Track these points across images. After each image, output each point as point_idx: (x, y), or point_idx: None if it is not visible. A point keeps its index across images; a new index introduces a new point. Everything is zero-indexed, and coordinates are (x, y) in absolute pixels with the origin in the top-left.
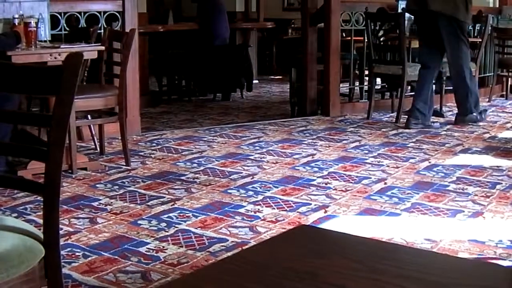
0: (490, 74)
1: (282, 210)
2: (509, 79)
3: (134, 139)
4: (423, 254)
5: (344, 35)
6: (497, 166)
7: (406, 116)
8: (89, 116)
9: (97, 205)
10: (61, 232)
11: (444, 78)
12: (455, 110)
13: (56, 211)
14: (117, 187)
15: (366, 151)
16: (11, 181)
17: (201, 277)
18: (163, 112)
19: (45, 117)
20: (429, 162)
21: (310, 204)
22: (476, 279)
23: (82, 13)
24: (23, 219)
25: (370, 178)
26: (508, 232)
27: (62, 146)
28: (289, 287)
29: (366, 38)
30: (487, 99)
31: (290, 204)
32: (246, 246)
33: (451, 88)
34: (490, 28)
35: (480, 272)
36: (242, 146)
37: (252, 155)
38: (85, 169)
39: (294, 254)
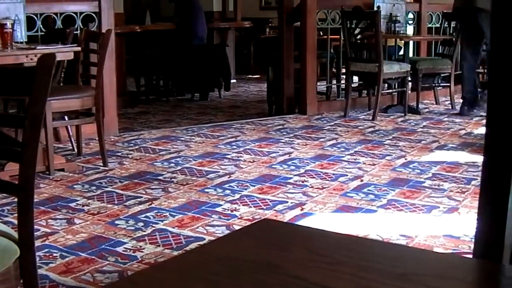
0: None
1: (259, 209)
2: (485, 76)
3: (112, 139)
4: (385, 246)
5: (321, 33)
6: (473, 162)
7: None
8: (66, 117)
9: (75, 205)
10: (38, 233)
11: (420, 75)
12: (432, 107)
13: (30, 211)
14: (94, 187)
15: (343, 149)
16: None
17: (164, 269)
18: (141, 112)
19: (19, 117)
20: (405, 159)
21: (287, 202)
22: (439, 269)
23: (59, 14)
24: (0, 221)
25: (347, 175)
26: None
27: (36, 146)
28: (250, 279)
29: (342, 36)
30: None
31: (266, 202)
32: None
33: (427, 85)
34: None
35: (444, 263)
36: (219, 146)
37: (229, 154)
38: (63, 170)
39: (256, 246)
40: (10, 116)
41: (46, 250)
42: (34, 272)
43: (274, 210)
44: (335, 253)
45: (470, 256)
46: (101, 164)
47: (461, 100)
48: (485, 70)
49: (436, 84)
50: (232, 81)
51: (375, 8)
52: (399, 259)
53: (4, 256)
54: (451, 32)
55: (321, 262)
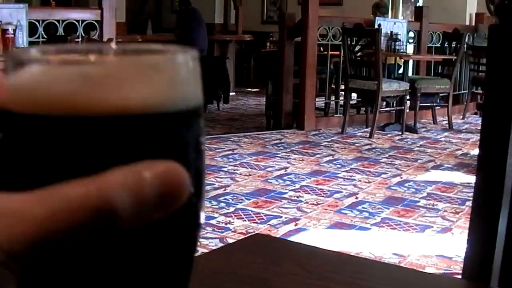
0: (464, 91)
1: (253, 222)
2: (483, 97)
3: None
4: (375, 265)
5: (321, 49)
6: (468, 183)
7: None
8: None
9: None
10: None
11: (419, 94)
12: (429, 126)
13: None
14: None
15: (339, 166)
16: None
17: None
18: None
19: None
20: (401, 178)
21: (281, 217)
22: None
23: (61, 21)
24: None
25: (342, 192)
26: None
27: None
28: None
29: (342, 53)
30: (461, 117)
31: (261, 216)
32: None
33: (425, 104)
34: (465, 46)
35: (433, 283)
36: (216, 158)
37: (226, 167)
38: None
39: (248, 261)
40: None
41: None
42: None
43: (268, 224)
44: (325, 269)
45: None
46: None
47: (458, 120)
48: (483, 91)
49: (435, 104)
50: (231, 94)
51: (376, 26)
52: (389, 278)
53: None
54: (451, 52)
55: (312, 279)
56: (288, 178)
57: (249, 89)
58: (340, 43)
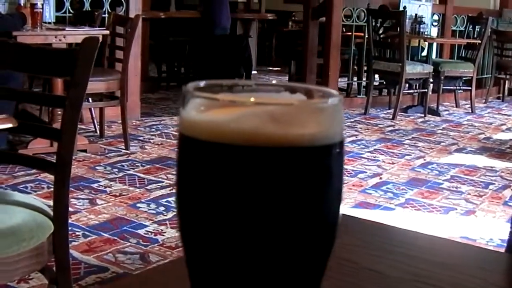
0: (487, 75)
1: None
2: (506, 81)
3: (134, 123)
4: (428, 238)
5: (344, 30)
6: (491, 167)
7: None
8: (90, 99)
9: (97, 186)
10: None
11: (442, 77)
12: (452, 110)
13: (66, 189)
14: (116, 170)
15: (363, 146)
16: (23, 158)
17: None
18: (161, 98)
19: (60, 98)
20: (424, 160)
21: None
22: (477, 262)
23: None
24: None
25: (366, 172)
26: (499, 231)
27: (75, 126)
28: None
29: (366, 34)
30: (484, 101)
31: None
32: None
33: (448, 88)
34: (489, 30)
35: (482, 255)
36: None
37: None
38: (85, 151)
39: None
40: (51, 96)
41: (69, 228)
42: (66, 247)
43: None
44: (383, 242)
45: None
46: (123, 147)
47: (480, 104)
48: (506, 76)
49: (458, 87)
50: (253, 72)
51: (401, 8)
52: (439, 250)
53: (39, 231)
54: (474, 36)
55: (369, 249)
56: None
57: (270, 68)
58: (364, 24)
